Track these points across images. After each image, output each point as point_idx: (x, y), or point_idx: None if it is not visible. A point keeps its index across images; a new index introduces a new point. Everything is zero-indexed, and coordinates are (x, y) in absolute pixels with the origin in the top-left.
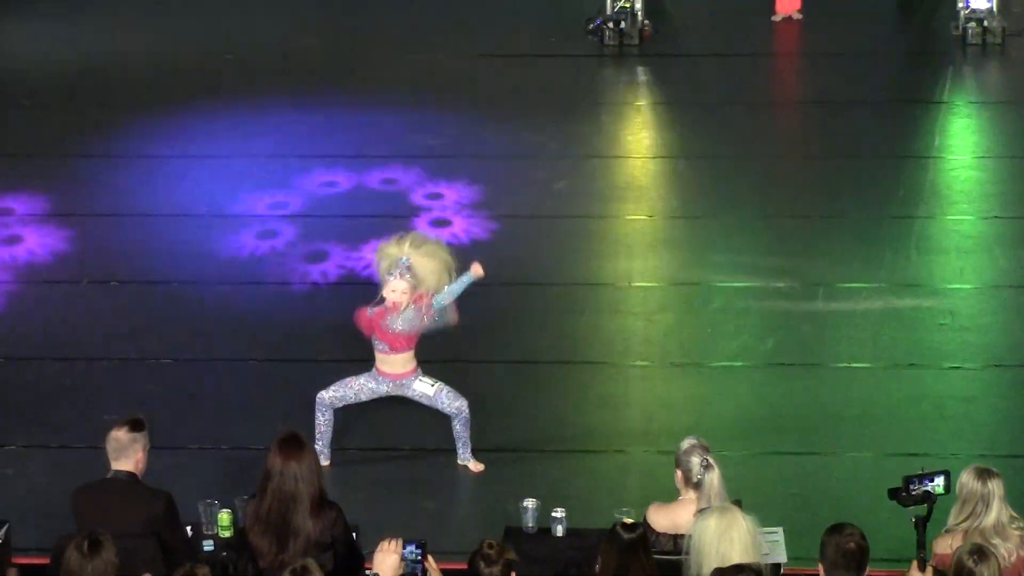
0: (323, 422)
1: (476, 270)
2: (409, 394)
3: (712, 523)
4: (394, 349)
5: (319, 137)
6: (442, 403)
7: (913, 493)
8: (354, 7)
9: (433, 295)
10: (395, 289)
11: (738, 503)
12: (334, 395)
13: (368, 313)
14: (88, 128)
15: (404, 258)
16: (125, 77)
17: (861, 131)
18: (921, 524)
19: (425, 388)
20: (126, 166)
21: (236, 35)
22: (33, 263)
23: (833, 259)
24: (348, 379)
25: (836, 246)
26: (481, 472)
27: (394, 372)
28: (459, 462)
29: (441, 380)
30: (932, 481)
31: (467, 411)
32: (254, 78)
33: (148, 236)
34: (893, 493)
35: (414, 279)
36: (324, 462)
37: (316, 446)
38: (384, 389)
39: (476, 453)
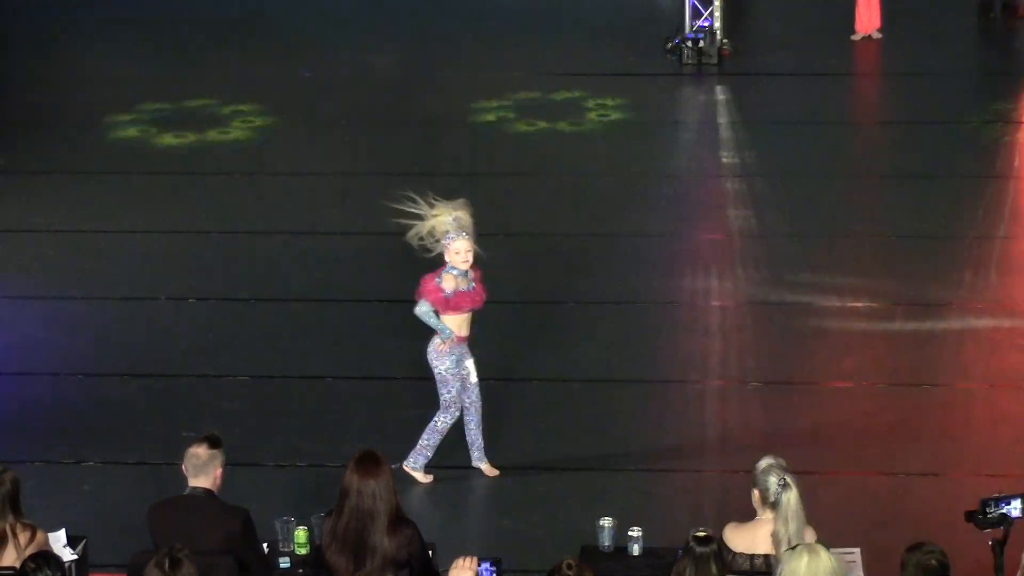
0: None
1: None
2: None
3: (802, 565)
4: (476, 305)
5: (386, 153)
6: (472, 392)
7: (989, 516)
8: (430, 27)
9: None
10: (459, 251)
11: (824, 543)
12: (453, 396)
13: (444, 294)
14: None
15: (454, 217)
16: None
17: (940, 151)
18: (998, 547)
19: (473, 371)
20: (199, 184)
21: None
22: (113, 278)
23: (911, 279)
24: (445, 381)
25: (915, 266)
26: (559, 487)
27: (466, 335)
28: (476, 464)
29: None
30: (1009, 504)
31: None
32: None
33: (226, 253)
34: (970, 515)
35: (469, 232)
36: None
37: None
38: (462, 357)
39: (556, 472)
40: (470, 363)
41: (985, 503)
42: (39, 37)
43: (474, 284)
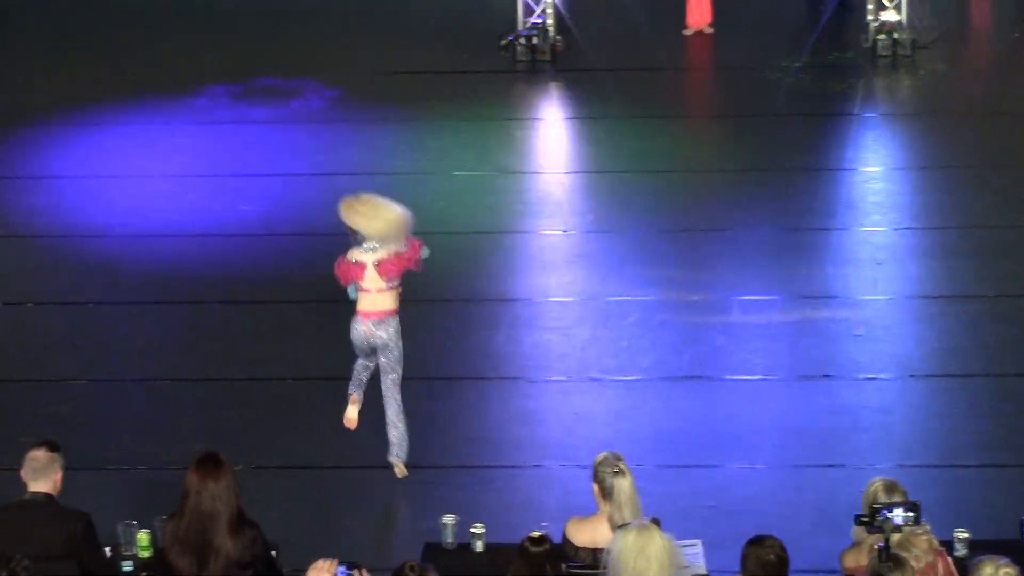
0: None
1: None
2: (384, 337)
3: (630, 540)
4: (386, 276)
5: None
6: (392, 357)
7: (877, 522)
8: (252, 25)
9: (421, 246)
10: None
11: (656, 521)
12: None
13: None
14: None
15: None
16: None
17: (773, 144)
18: (883, 552)
19: (384, 360)
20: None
21: None
22: None
23: (748, 272)
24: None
25: (751, 259)
26: (400, 485)
27: (377, 310)
28: (391, 459)
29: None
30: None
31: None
32: None
33: (60, 256)
34: (860, 519)
35: (381, 244)
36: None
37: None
38: (363, 331)
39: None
40: (382, 356)
41: (874, 509)
42: None
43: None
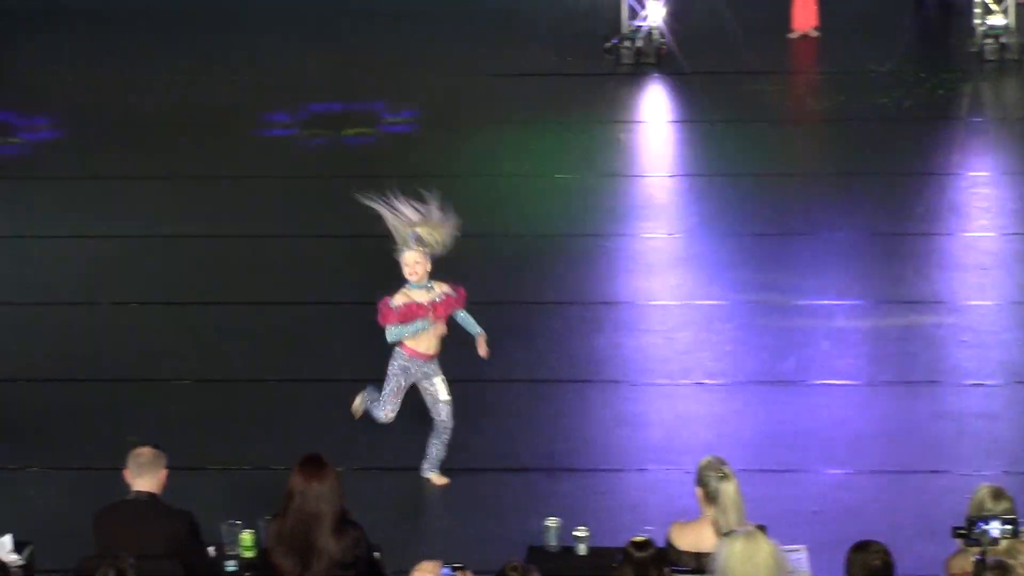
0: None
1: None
2: (425, 383)
3: (738, 548)
4: (437, 316)
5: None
6: (442, 411)
7: (974, 534)
8: (365, 29)
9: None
10: (406, 263)
11: (762, 528)
12: (391, 411)
13: (391, 305)
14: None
15: (412, 232)
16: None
17: (878, 148)
18: (980, 564)
19: (442, 388)
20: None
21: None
22: (54, 284)
23: (852, 276)
24: (387, 389)
25: (855, 263)
26: (504, 487)
27: (427, 352)
28: (424, 475)
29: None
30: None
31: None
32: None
33: (165, 260)
34: (958, 532)
35: (425, 246)
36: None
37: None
38: (413, 371)
39: (502, 473)
40: (438, 380)
41: (971, 521)
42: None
43: (441, 297)
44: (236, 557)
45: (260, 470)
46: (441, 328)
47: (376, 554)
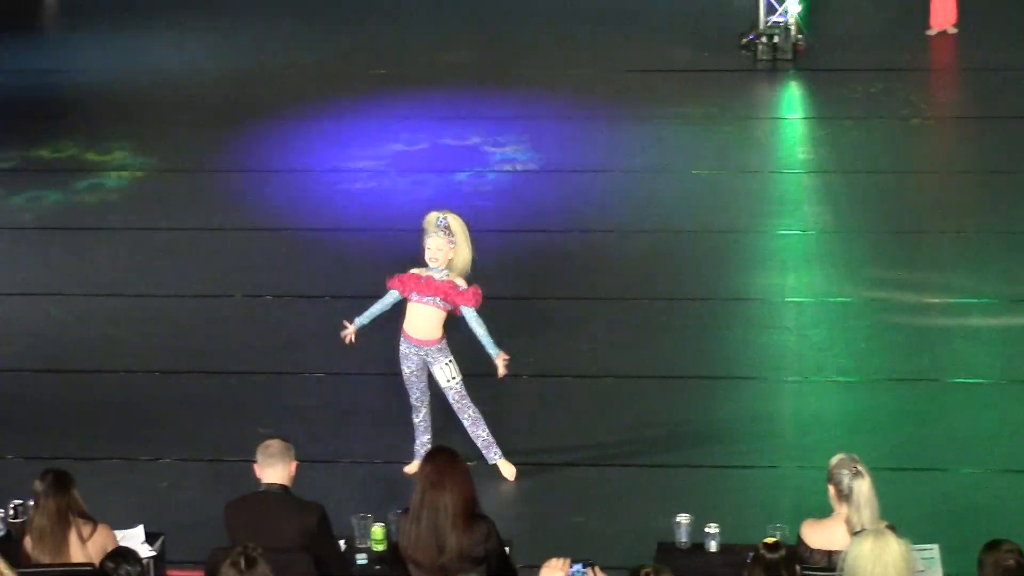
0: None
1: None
2: (431, 371)
3: (867, 548)
4: (411, 290)
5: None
6: (448, 399)
7: None
8: (508, 25)
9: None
10: (430, 247)
11: (892, 527)
12: (412, 400)
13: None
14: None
15: (442, 217)
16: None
17: (1017, 147)
18: None
19: (440, 375)
20: (272, 181)
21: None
22: (186, 276)
23: (986, 274)
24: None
25: (989, 261)
26: (634, 483)
27: (415, 335)
28: (490, 463)
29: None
30: None
31: (473, 411)
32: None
33: (300, 251)
34: None
35: (451, 235)
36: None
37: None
38: (412, 356)
39: (630, 469)
40: (437, 368)
41: None
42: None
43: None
44: (367, 551)
45: (391, 463)
46: (432, 312)
47: (506, 549)
